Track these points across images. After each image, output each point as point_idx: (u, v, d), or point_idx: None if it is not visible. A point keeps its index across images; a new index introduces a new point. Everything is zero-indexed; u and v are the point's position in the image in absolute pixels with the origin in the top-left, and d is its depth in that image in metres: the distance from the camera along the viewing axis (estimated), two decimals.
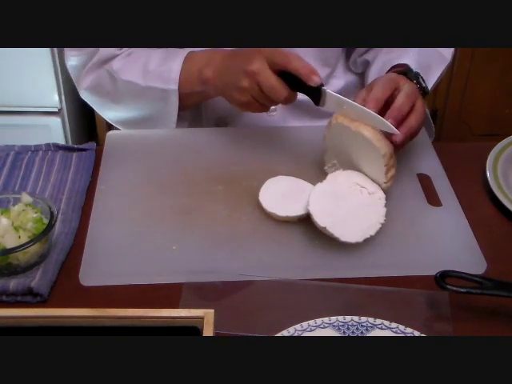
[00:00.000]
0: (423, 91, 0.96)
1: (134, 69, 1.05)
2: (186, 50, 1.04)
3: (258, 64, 0.90)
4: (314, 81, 0.88)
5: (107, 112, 1.16)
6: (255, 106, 0.95)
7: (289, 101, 0.93)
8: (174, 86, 1.02)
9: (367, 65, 1.14)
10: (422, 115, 0.91)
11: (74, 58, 1.10)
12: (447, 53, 1.11)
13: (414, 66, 1.00)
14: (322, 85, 0.89)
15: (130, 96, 1.08)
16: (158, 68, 1.03)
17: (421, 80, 0.97)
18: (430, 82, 1.04)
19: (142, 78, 1.04)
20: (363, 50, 1.15)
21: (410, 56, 1.03)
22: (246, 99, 0.94)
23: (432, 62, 1.06)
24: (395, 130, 0.87)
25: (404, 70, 0.98)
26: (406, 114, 0.89)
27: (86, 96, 1.14)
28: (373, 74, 1.09)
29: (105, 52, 1.06)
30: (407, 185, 0.95)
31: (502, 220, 0.92)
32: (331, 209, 0.85)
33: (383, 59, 1.08)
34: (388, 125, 0.86)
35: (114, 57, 1.07)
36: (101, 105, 1.14)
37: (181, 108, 1.05)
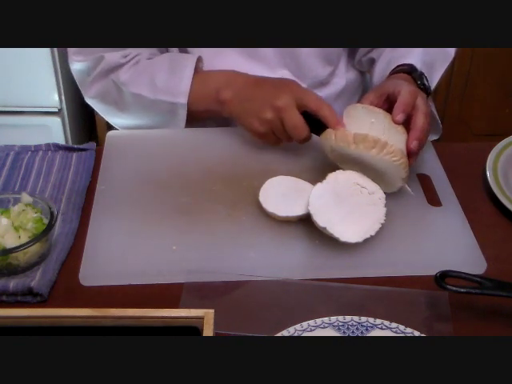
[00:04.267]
0: (426, 91, 0.98)
1: (141, 81, 1.04)
2: (193, 62, 1.03)
3: (287, 101, 0.93)
4: (300, 138, 0.94)
5: (114, 119, 1.16)
6: (271, 139, 0.98)
7: (305, 141, 0.96)
8: (183, 100, 1.02)
9: (373, 62, 1.14)
10: (429, 120, 0.92)
11: (78, 63, 1.09)
12: (451, 49, 1.12)
13: (419, 66, 1.01)
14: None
15: (138, 107, 1.08)
16: (167, 81, 1.03)
17: (425, 81, 0.99)
18: (434, 80, 1.05)
19: (150, 91, 1.04)
20: (367, 49, 1.15)
21: (414, 55, 1.03)
22: (265, 130, 0.97)
23: (436, 61, 1.07)
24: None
25: (409, 69, 1.00)
26: (427, 131, 0.91)
27: (92, 103, 1.14)
28: (378, 73, 1.09)
29: (110, 60, 1.05)
30: (407, 185, 0.95)
31: (502, 220, 0.92)
32: (331, 209, 0.85)
33: (388, 57, 1.08)
34: None
35: (119, 66, 1.06)
36: (107, 112, 1.15)
37: (189, 121, 1.06)
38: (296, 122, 0.93)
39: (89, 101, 1.14)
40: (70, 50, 1.10)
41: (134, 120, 1.12)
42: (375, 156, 0.87)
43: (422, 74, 0.99)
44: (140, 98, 1.05)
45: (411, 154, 0.89)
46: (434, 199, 0.93)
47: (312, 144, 1.00)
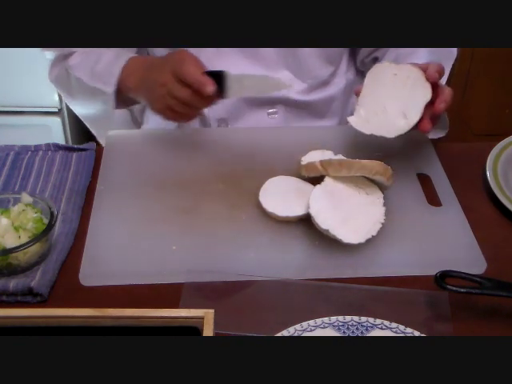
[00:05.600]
0: None
1: (85, 66, 1.07)
2: (131, 53, 1.05)
3: (166, 75, 0.92)
4: (207, 92, 0.90)
5: (72, 106, 1.19)
6: (172, 114, 0.96)
7: (210, 94, 0.91)
8: (110, 89, 1.03)
9: (377, 60, 1.14)
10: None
11: (47, 52, 1.14)
12: (454, 48, 1.12)
13: None
14: (217, 90, 0.91)
15: (80, 93, 1.10)
16: (104, 69, 1.05)
17: None
18: (443, 80, 1.05)
19: (88, 77, 1.06)
20: (369, 50, 1.15)
21: (421, 55, 1.04)
22: (162, 106, 0.95)
23: (442, 60, 1.07)
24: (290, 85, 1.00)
25: None
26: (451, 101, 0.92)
27: (55, 87, 1.18)
28: None
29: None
30: (407, 185, 0.95)
31: (502, 220, 0.92)
32: (332, 211, 0.85)
33: (393, 55, 1.09)
34: (283, 83, 0.95)
35: (73, 52, 1.09)
36: (64, 97, 1.19)
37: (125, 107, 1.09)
38: (181, 94, 0.91)
39: (53, 84, 1.17)
40: None
41: (81, 108, 1.15)
42: (348, 175, 0.87)
43: None
44: (80, 82, 1.07)
45: (434, 116, 0.90)
46: (434, 199, 0.93)
47: (312, 144, 1.00)
